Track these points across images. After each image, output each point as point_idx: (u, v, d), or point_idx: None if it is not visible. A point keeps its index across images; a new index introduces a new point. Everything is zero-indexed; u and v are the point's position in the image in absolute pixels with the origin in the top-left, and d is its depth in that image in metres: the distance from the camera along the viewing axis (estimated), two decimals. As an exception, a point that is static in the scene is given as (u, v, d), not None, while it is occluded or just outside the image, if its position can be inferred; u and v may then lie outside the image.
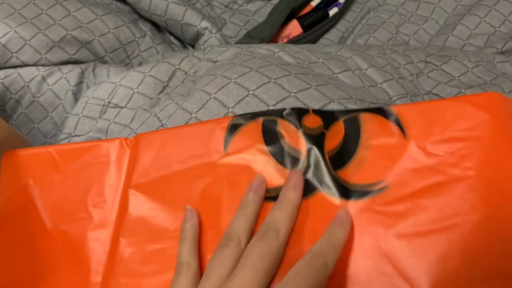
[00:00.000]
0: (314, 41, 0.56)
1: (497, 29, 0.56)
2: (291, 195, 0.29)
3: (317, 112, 0.32)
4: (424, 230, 0.27)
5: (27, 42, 0.52)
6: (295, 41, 0.54)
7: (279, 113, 0.32)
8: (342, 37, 0.57)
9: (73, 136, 0.44)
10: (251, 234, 0.28)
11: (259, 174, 0.30)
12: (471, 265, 0.26)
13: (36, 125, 0.52)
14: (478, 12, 0.57)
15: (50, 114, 0.51)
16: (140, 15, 0.59)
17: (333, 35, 0.57)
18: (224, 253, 0.27)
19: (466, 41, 0.56)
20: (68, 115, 0.48)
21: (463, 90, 0.44)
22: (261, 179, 0.30)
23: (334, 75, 0.42)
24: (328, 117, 0.32)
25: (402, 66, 0.47)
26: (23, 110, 0.52)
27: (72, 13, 0.54)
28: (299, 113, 0.31)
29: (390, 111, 0.31)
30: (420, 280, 0.25)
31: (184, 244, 0.29)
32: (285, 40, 0.54)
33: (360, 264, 0.27)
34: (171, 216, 0.31)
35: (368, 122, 0.31)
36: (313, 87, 0.35)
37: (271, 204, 0.29)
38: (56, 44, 0.52)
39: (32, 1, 0.53)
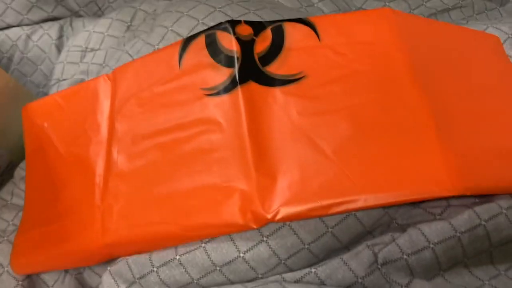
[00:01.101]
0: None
1: None
2: None
3: (248, 22, 0.39)
4: (333, 109, 0.35)
5: (9, 5, 0.58)
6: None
7: (217, 27, 0.39)
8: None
9: (61, 81, 0.52)
10: None
11: None
12: (365, 134, 0.34)
13: (28, 78, 0.59)
14: None
15: (39, 67, 0.59)
16: (106, -30, 0.65)
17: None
18: None
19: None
20: (55, 64, 0.56)
21: (387, 3, 0.51)
22: None
23: None
24: (258, 26, 0.39)
25: (337, -13, 0.54)
26: (16, 66, 0.59)
27: (44, -25, 0.60)
28: (233, 24, 0.39)
29: (308, 21, 0.39)
30: (324, 145, 0.34)
31: None
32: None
33: (282, 134, 0.35)
34: (145, 124, 0.39)
35: (290, 29, 0.39)
36: (252, 11, 0.43)
37: (216, 99, 0.37)
38: (35, 4, 0.59)
39: (7, -33, 0.59)
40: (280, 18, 0.42)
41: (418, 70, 0.37)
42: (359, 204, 0.32)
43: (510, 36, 0.43)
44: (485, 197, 0.35)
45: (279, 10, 0.44)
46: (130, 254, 0.37)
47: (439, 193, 0.32)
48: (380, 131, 0.35)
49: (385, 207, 0.34)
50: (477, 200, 0.35)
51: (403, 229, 0.34)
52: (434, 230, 0.32)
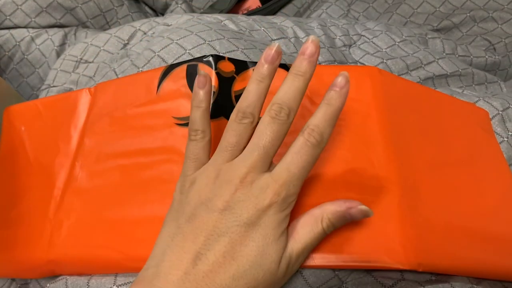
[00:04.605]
0: (271, 15, 0.63)
1: (437, 9, 0.62)
2: (304, 66, 0.28)
3: (231, 60, 0.39)
4: None
5: (19, 7, 0.60)
6: (253, 13, 0.61)
7: (200, 59, 0.39)
8: (298, 12, 0.64)
9: (51, 87, 0.52)
10: (262, 108, 0.29)
11: (277, 43, 0.30)
12: (324, 188, 0.33)
13: (25, 79, 0.60)
14: (424, -7, 0.63)
15: (37, 70, 0.60)
16: (120, -13, 0.67)
17: (289, 10, 0.64)
18: (239, 129, 0.28)
19: (408, 19, 0.62)
20: (50, 69, 0.56)
21: (385, 60, 0.51)
22: (279, 50, 0.29)
23: (272, 41, 0.49)
24: (241, 65, 0.39)
25: (338, 37, 0.54)
26: (15, 66, 0.60)
27: (59, -17, 0.62)
28: (216, 59, 0.39)
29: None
30: None
31: (198, 111, 0.30)
32: (245, 12, 0.61)
33: None
34: (112, 144, 0.39)
35: None
36: (240, 49, 0.42)
37: (185, 129, 0.37)
38: (44, 9, 0.60)
39: (24, -29, 0.61)
40: (268, 59, 0.42)
41: (394, 133, 0.36)
42: (305, 262, 0.31)
43: (500, 112, 0.42)
44: (442, 275, 0.33)
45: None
46: (72, 274, 0.36)
47: (390, 264, 0.30)
48: (340, 189, 0.34)
49: (335, 269, 0.33)
50: (433, 278, 0.33)
51: (351, 295, 0.32)
52: (378, 304, 0.30)
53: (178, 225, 0.27)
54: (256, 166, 0.27)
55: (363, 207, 0.28)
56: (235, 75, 0.39)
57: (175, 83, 0.39)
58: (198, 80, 0.31)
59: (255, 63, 0.39)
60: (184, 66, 0.39)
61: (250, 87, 0.29)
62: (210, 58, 0.39)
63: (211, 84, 0.32)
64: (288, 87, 0.28)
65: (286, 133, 0.28)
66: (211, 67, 0.38)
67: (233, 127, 0.28)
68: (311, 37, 0.29)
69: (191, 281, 0.24)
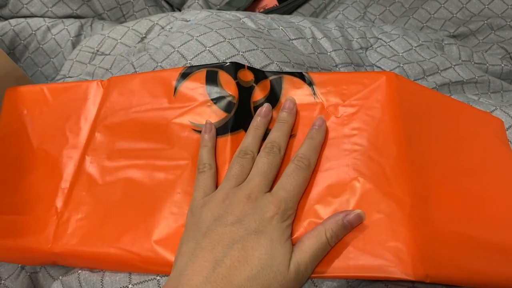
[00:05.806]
0: (288, 14, 0.63)
1: (455, 15, 0.62)
2: (286, 117, 0.36)
3: (251, 69, 0.39)
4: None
5: (37, -5, 0.60)
6: (269, 11, 0.61)
7: (220, 66, 0.39)
8: (314, 12, 0.64)
9: (67, 77, 0.52)
10: (259, 148, 0.35)
11: (268, 103, 0.37)
12: (333, 198, 0.34)
13: (39, 69, 0.60)
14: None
15: (52, 59, 0.60)
16: (137, -21, 0.67)
17: (306, 10, 0.64)
18: (242, 162, 0.34)
19: (425, 24, 0.62)
20: (66, 60, 0.56)
21: (401, 65, 0.51)
22: (269, 107, 0.37)
23: (290, 40, 0.49)
24: (259, 75, 0.39)
25: (355, 39, 0.54)
26: (30, 55, 0.60)
27: (77, -27, 0.62)
28: (236, 67, 0.39)
29: (308, 77, 0.38)
30: None
31: (205, 149, 0.36)
32: (261, 10, 0.61)
33: None
34: (125, 142, 0.39)
35: (289, 83, 0.39)
36: (260, 48, 0.42)
37: (200, 135, 0.37)
38: (61, -1, 0.60)
39: (43, -40, 0.61)
40: (287, 60, 0.42)
41: (408, 141, 0.35)
42: (314, 273, 0.31)
43: (517, 122, 0.42)
44: (453, 286, 0.33)
45: (288, 52, 0.44)
46: (79, 267, 0.36)
47: (397, 275, 0.30)
48: (351, 197, 0.34)
49: (348, 280, 0.33)
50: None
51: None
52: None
53: (196, 241, 0.30)
54: (258, 187, 0.32)
55: (356, 211, 0.31)
56: (254, 84, 0.39)
57: (194, 88, 0.39)
58: (204, 127, 0.37)
59: (273, 73, 0.40)
60: (204, 71, 0.39)
61: (249, 133, 0.36)
62: (231, 67, 0.39)
63: (215, 129, 0.37)
64: (277, 131, 0.36)
65: (280, 164, 0.35)
66: (231, 75, 0.38)
67: (237, 161, 0.34)
68: (289, 97, 0.38)
69: (211, 283, 0.27)
